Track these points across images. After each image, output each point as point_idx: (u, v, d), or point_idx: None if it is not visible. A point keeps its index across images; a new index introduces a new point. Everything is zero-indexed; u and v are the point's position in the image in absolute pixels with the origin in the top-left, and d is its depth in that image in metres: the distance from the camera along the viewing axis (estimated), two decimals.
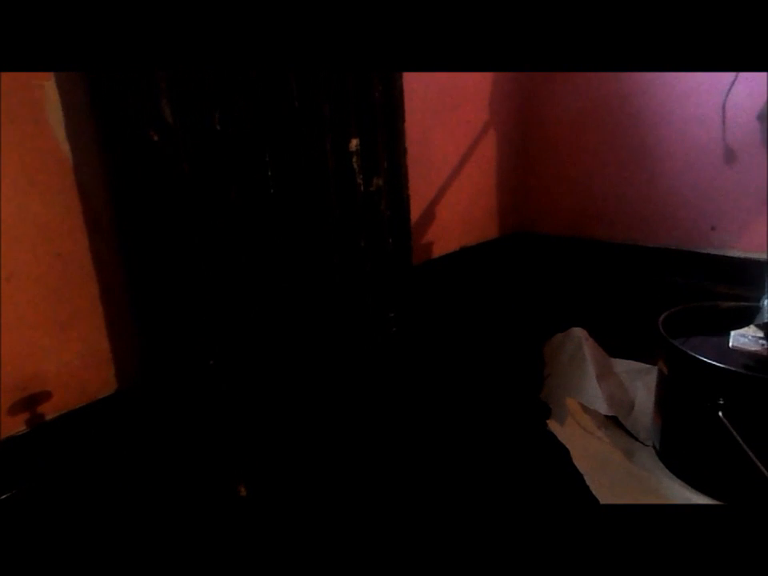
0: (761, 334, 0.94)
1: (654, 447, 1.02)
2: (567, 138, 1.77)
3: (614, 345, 1.37)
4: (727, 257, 1.55)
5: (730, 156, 1.49)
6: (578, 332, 1.33)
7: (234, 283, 0.87)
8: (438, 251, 1.60)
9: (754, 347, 0.92)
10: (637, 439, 1.05)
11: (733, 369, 0.84)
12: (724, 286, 1.52)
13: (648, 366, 1.27)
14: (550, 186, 1.86)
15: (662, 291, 1.60)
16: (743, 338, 0.95)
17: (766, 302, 1.00)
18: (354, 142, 1.01)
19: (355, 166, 1.02)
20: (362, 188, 1.04)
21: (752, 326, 0.97)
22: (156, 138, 0.78)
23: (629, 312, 1.49)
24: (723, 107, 1.46)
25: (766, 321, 0.98)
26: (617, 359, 1.34)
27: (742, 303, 1.09)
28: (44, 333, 0.86)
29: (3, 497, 0.83)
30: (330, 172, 0.98)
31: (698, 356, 0.88)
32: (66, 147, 0.84)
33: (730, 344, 0.94)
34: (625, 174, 1.69)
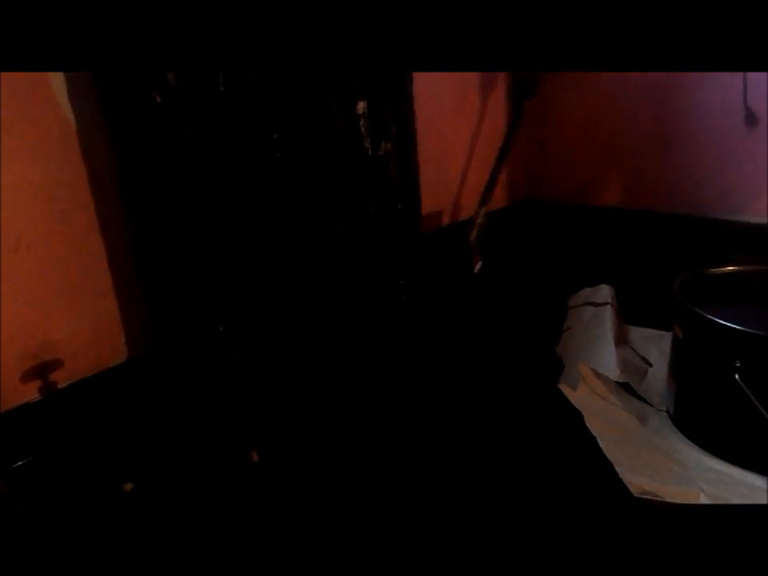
0: None
1: (668, 412, 1.01)
2: (579, 102, 1.73)
3: (629, 312, 1.35)
4: (744, 223, 1.51)
5: (751, 119, 1.44)
6: (606, 290, 1.31)
7: (241, 248, 0.86)
8: (447, 220, 1.58)
9: None
10: (650, 405, 1.04)
11: (750, 330, 0.83)
12: (740, 254, 1.48)
13: (662, 332, 1.25)
14: (561, 154, 1.82)
15: (677, 259, 1.57)
16: None
17: None
18: (362, 105, 0.99)
19: (363, 129, 1.00)
20: (370, 152, 1.02)
21: None
22: (159, 100, 0.76)
23: (643, 280, 1.47)
24: None
25: None
26: (631, 326, 1.32)
27: (758, 268, 1.06)
28: (53, 300, 0.86)
29: (18, 464, 0.83)
30: (336, 136, 0.96)
31: (714, 318, 0.86)
32: (69, 111, 0.83)
33: None
34: (640, 140, 1.64)
